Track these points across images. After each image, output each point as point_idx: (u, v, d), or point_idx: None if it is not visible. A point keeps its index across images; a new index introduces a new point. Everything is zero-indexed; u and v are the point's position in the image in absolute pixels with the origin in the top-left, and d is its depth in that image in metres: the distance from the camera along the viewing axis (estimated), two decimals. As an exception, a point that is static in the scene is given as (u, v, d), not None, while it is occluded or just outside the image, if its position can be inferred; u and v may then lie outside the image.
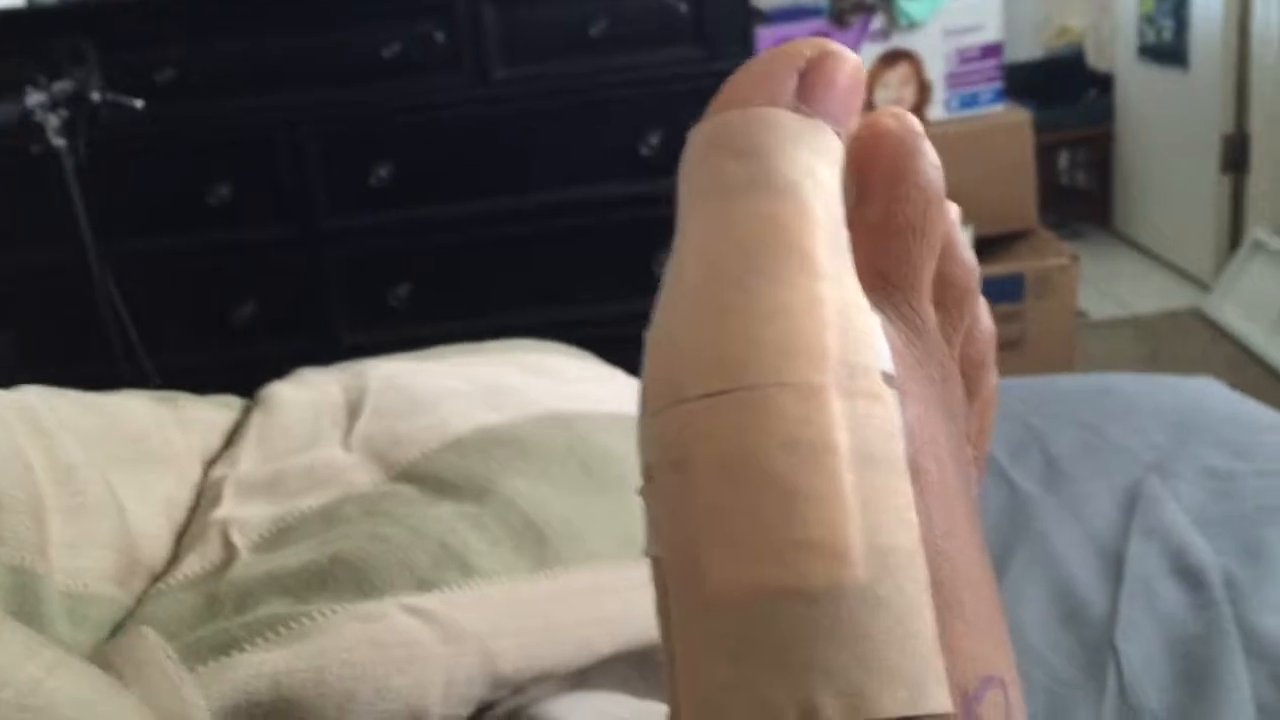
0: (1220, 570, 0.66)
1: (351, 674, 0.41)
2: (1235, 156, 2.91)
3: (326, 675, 0.40)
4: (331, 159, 2.25)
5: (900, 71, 2.49)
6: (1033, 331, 2.40)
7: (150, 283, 2.21)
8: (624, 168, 2.25)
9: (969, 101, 2.54)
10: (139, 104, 2.01)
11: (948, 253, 0.31)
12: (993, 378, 0.35)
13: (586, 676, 0.48)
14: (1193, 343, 2.74)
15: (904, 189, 0.29)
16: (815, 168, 0.27)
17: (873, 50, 2.47)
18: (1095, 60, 3.66)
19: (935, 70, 2.50)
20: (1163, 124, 3.23)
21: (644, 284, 2.36)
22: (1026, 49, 3.59)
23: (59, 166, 1.93)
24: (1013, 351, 2.37)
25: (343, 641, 0.41)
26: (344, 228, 2.29)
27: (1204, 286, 2.98)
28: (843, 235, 0.28)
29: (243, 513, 0.51)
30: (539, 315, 2.27)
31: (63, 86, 1.97)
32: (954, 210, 0.31)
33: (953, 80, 2.52)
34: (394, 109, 2.24)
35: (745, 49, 2.22)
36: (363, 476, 0.54)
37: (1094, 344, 2.73)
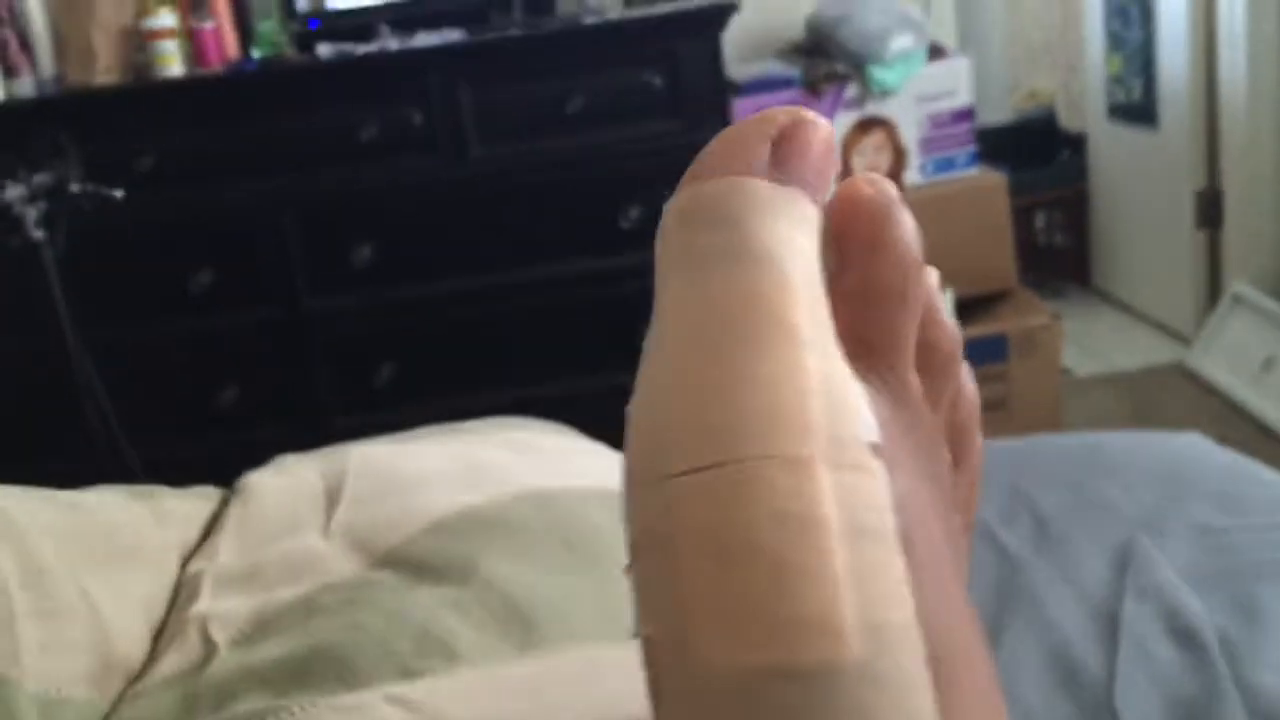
0: (1216, 629, 0.65)
1: None
2: (1209, 212, 2.95)
3: None
4: (312, 242, 2.26)
5: (875, 138, 2.52)
6: (1017, 391, 2.40)
7: (133, 373, 2.20)
8: (604, 242, 2.26)
9: (944, 166, 2.56)
10: (118, 194, 2.01)
11: (929, 318, 0.31)
12: (978, 443, 0.34)
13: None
14: (1177, 397, 2.75)
15: (883, 255, 0.29)
16: (792, 236, 0.27)
17: (847, 118, 2.51)
18: (1066, 121, 3.72)
19: (909, 136, 2.53)
20: (1136, 182, 3.27)
21: (628, 359, 2.35)
22: (997, 113, 3.64)
23: (39, 259, 1.93)
24: (998, 412, 2.37)
25: None
26: (327, 310, 2.29)
27: (1185, 341, 2.99)
28: (823, 304, 0.27)
29: (222, 607, 0.50)
30: (523, 392, 2.27)
31: (41, 179, 1.98)
32: (933, 275, 0.31)
33: (927, 145, 2.55)
34: (373, 190, 2.25)
35: (721, 120, 2.24)
36: (343, 565, 0.53)
37: (1079, 402, 2.73)
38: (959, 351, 0.32)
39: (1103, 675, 0.63)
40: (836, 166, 0.29)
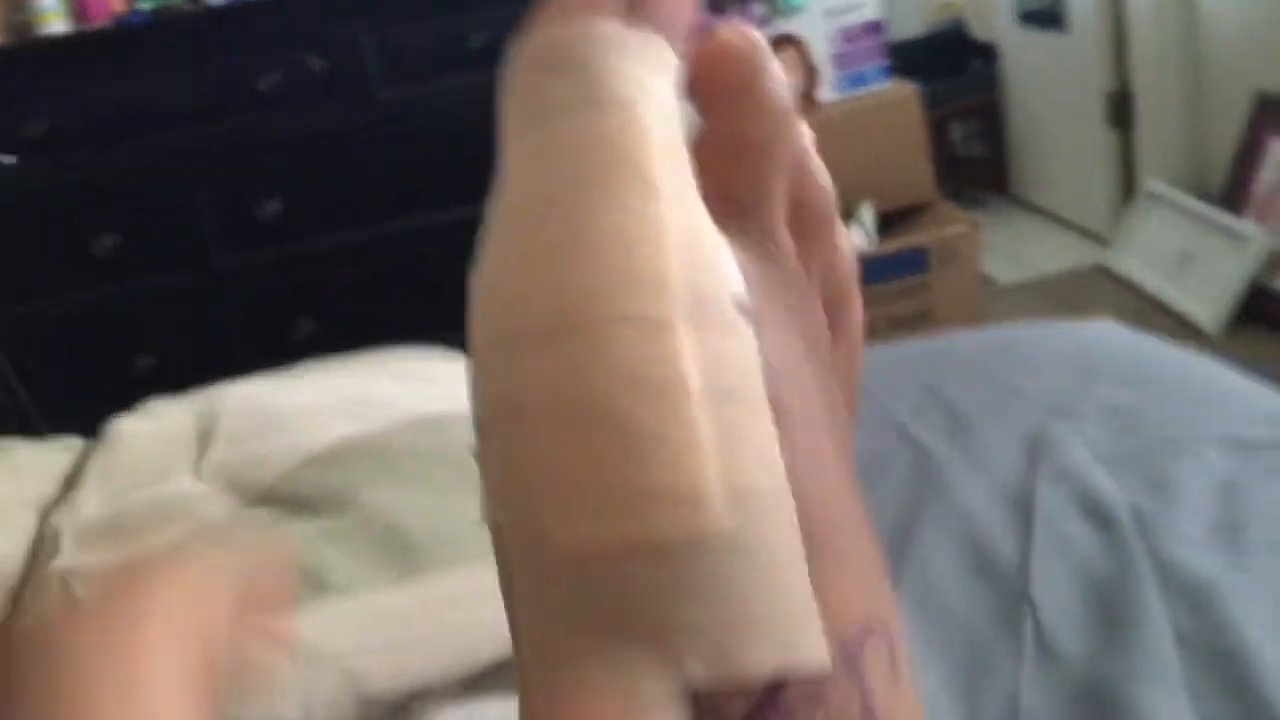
0: (1129, 507, 0.65)
1: None
2: (1120, 112, 2.96)
3: None
4: (218, 198, 2.20)
5: (786, 57, 2.49)
6: (941, 302, 2.41)
7: (41, 346, 2.13)
8: (519, 179, 2.22)
9: (856, 80, 2.54)
10: (10, 160, 1.94)
11: (801, 175, 0.28)
12: (857, 311, 0.32)
13: (479, 685, 0.45)
14: (1099, 297, 2.78)
15: (749, 105, 0.27)
16: (647, 81, 0.25)
17: (756, 38, 2.47)
18: (978, 31, 3.71)
19: (820, 52, 2.51)
20: (1048, 87, 3.28)
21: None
22: (909, 26, 3.63)
23: (-71, 234, 1.85)
24: (922, 323, 2.38)
25: None
26: (238, 268, 2.23)
27: (1104, 242, 3.02)
28: (684, 156, 0.25)
29: (85, 560, 0.47)
30: (443, 337, 2.23)
31: (-75, 150, 1.90)
32: (806, 131, 0.29)
33: (839, 60, 2.53)
34: (277, 141, 2.19)
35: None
36: (215, 506, 0.50)
37: (1003, 308, 2.75)
38: (833, 211, 0.30)
39: (1018, 563, 0.63)
40: (695, 13, 0.27)
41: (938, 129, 3.05)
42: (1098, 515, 0.64)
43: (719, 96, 0.26)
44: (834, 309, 0.30)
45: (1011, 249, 3.18)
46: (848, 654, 0.22)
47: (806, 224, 0.28)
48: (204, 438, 0.56)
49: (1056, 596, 0.60)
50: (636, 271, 0.22)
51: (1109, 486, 0.66)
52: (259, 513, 0.49)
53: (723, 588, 0.21)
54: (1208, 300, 2.51)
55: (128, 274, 2.19)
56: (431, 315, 2.28)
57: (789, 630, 0.21)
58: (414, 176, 2.23)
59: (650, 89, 0.25)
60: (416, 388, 0.62)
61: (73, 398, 2.16)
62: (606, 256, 0.23)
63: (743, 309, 0.24)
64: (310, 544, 0.45)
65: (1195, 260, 2.62)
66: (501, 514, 0.23)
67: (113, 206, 2.18)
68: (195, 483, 0.51)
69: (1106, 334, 0.86)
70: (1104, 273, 2.89)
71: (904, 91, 2.56)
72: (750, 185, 0.27)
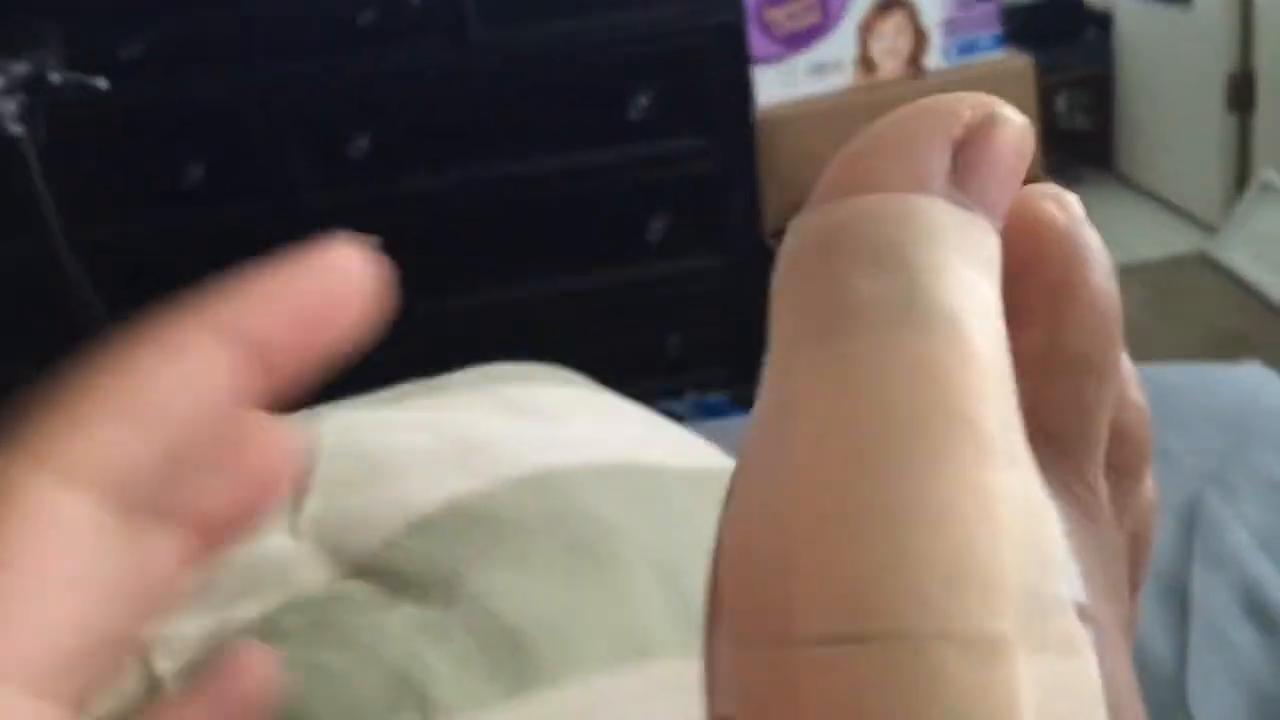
0: (1297, 607, 0.59)
1: None
2: (1241, 95, 2.82)
3: None
4: (308, 132, 2.16)
5: (895, 20, 2.39)
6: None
7: (125, 272, 2.12)
8: (611, 132, 2.15)
9: (967, 48, 2.44)
10: (103, 84, 1.91)
11: (1123, 398, 0.23)
12: (1149, 569, 0.26)
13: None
14: (1200, 287, 2.66)
15: (1076, 309, 0.21)
16: (976, 286, 0.19)
17: (864, 0, 2.38)
18: (1094, -2, 3.56)
19: (931, 17, 2.40)
20: (1166, 63, 3.13)
21: (634, 252, 2.28)
22: (1022, -11, 3.49)
23: (19, 155, 1.84)
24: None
25: None
26: (323, 203, 2.20)
27: (1210, 229, 2.90)
28: (1011, 388, 0.19)
29: (168, 629, 0.43)
30: (526, 289, 2.20)
31: (19, 69, 1.87)
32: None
33: (949, 27, 2.42)
34: (370, 77, 2.15)
35: (734, 3, 2.12)
36: (312, 573, 0.46)
37: (1102, 294, 2.65)
38: (1150, 441, 0.24)
39: (1174, 666, 0.57)
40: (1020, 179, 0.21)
41: (1043, 98, 2.93)
42: (1263, 615, 0.58)
43: (1038, 294, 0.21)
44: (1133, 563, 0.24)
45: (1111, 230, 3.06)
46: None
47: (1122, 460, 0.22)
48: (299, 480, 0.51)
49: (1218, 711, 0.54)
50: (966, 566, 0.17)
51: (1274, 579, 0.60)
52: (358, 588, 0.45)
53: None
54: (1318, 301, 2.40)
55: (212, 204, 2.18)
56: (511, 268, 2.23)
57: None
58: (503, 122, 2.18)
59: (977, 295, 0.19)
60: (527, 426, 0.57)
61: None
62: (925, 539, 0.17)
63: (1083, 614, 0.18)
64: (412, 641, 0.41)
65: (1307, 257, 2.50)
66: None
67: (201, 135, 2.16)
68: (291, 540, 0.47)
69: (1259, 383, 0.79)
70: (1207, 262, 2.78)
71: (1018, 64, 2.46)
72: (1071, 416, 0.21)
